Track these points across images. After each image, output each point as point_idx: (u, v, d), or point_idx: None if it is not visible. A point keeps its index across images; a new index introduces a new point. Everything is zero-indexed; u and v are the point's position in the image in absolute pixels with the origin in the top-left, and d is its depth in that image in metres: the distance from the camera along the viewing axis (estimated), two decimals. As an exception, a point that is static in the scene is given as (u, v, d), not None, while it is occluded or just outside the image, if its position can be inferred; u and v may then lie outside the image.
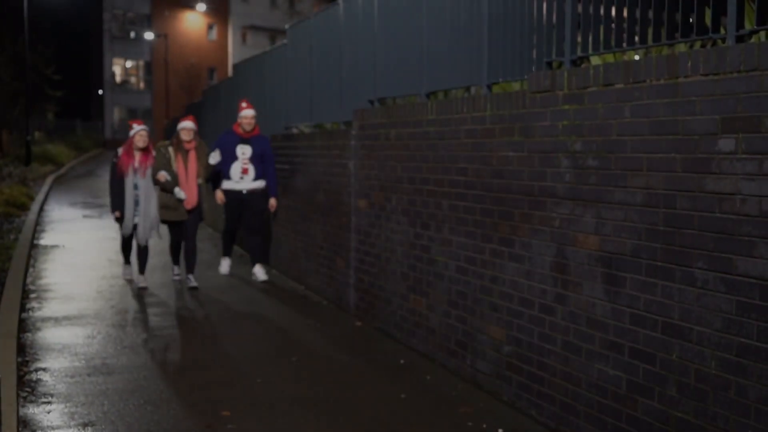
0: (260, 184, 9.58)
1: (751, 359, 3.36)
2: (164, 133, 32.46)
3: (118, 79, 53.06)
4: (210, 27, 55.57)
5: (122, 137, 51.43)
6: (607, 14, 4.39)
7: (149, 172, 8.82)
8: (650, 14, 4.05)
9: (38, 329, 7.06)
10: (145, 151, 8.86)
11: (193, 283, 9.06)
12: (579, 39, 4.58)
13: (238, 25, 55.97)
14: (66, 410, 5.03)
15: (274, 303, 8.32)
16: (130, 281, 9.33)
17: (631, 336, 4.04)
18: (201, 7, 51.20)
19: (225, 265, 10.01)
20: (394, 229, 6.72)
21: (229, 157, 9.45)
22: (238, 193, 9.55)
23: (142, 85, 54.37)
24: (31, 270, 9.98)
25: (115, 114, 52.75)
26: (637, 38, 4.16)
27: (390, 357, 6.27)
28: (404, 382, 5.66)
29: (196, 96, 35.24)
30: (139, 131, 8.87)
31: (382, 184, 6.95)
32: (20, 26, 27.16)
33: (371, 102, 7.38)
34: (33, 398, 5.24)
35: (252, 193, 9.56)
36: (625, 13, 4.25)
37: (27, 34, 26.79)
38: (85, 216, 16.23)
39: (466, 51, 5.72)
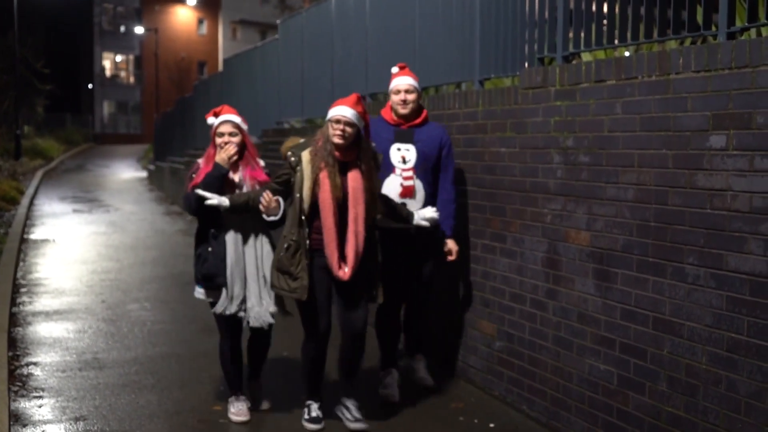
0: (433, 213, 4.92)
1: (742, 354, 3.38)
2: (154, 131, 30.23)
3: (108, 73, 52.81)
4: (200, 21, 55.35)
5: (112, 132, 51.21)
6: (599, 11, 4.40)
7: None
8: (642, 11, 4.07)
9: (29, 324, 7.04)
10: (243, 161, 4.75)
11: (356, 417, 4.66)
12: (571, 35, 4.59)
13: (229, 20, 55.80)
14: (57, 404, 5.02)
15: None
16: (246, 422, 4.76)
17: (622, 331, 4.06)
18: (191, 1, 50.99)
19: (392, 382, 5.19)
20: (385, 225, 6.71)
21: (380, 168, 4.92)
22: (402, 234, 5.04)
23: (132, 79, 54.13)
24: (21, 264, 9.95)
25: (105, 108, 52.50)
26: (628, 35, 4.17)
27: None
28: (396, 376, 5.65)
29: (187, 90, 35.05)
30: (221, 123, 4.69)
31: (373, 179, 6.94)
32: (10, 19, 27.02)
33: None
34: (24, 393, 5.24)
35: (421, 232, 5.04)
36: (616, 10, 4.27)
37: (16, 28, 26.65)
38: (75, 210, 16.18)
39: (458, 47, 5.72)
